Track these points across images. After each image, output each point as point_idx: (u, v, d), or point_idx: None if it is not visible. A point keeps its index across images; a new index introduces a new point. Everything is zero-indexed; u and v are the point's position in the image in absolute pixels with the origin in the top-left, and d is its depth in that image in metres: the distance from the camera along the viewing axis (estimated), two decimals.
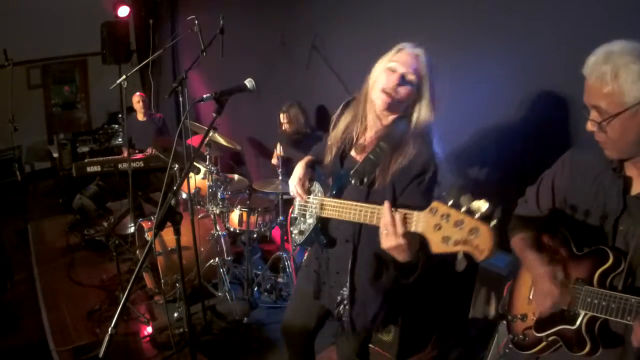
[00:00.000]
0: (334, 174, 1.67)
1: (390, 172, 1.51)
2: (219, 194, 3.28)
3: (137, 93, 4.79)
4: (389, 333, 2.67)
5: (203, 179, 3.47)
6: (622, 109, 1.18)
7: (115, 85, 3.30)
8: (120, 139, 5.96)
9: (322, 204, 1.64)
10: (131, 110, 4.81)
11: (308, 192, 1.76)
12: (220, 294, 3.36)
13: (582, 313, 1.31)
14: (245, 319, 3.13)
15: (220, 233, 3.35)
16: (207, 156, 3.26)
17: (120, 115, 5.85)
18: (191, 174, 3.33)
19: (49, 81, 6.20)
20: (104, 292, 3.49)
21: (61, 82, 6.35)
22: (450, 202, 1.12)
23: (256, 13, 4.25)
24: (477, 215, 1.07)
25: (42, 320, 3.22)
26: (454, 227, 1.10)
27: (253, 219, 3.34)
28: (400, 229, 1.25)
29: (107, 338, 1.17)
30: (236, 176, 3.89)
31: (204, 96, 1.55)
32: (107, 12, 5.84)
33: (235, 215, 3.40)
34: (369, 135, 1.64)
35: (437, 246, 1.15)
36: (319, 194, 1.71)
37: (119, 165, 3.95)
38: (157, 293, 3.39)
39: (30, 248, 4.28)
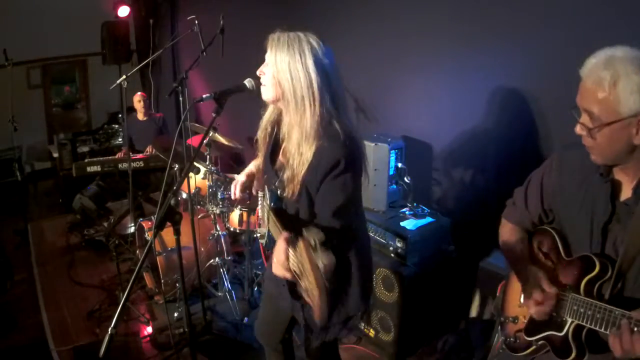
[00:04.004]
0: (270, 180, 1.61)
1: (299, 177, 1.44)
2: (219, 194, 3.27)
3: (138, 93, 4.79)
4: (389, 333, 2.67)
5: (203, 179, 3.46)
6: (615, 118, 1.15)
7: (115, 85, 3.30)
8: (120, 139, 5.96)
9: (268, 217, 1.59)
10: (131, 110, 4.81)
11: (249, 194, 1.75)
12: (220, 294, 3.36)
13: (569, 320, 1.31)
14: (245, 319, 3.13)
15: (220, 233, 3.35)
16: (207, 156, 3.26)
17: (120, 115, 5.85)
18: (191, 174, 3.33)
19: (49, 81, 6.19)
20: (104, 292, 3.49)
21: (61, 82, 6.34)
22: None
23: (256, 13, 4.25)
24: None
25: (42, 320, 3.22)
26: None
27: (253, 218, 3.34)
28: (285, 264, 1.19)
29: (107, 338, 1.17)
30: (236, 176, 3.87)
31: (204, 96, 1.55)
32: (107, 12, 5.83)
33: (235, 215, 3.40)
34: (287, 137, 1.54)
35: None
36: (267, 199, 1.62)
37: (119, 165, 3.94)
38: (157, 293, 3.39)
39: (30, 248, 4.27)
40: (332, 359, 1.90)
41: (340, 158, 1.40)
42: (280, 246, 1.20)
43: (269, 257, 1.86)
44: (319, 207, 1.47)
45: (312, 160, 1.42)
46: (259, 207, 1.84)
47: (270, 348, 1.99)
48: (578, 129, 1.24)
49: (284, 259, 1.19)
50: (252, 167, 1.84)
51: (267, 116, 1.67)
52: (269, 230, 1.67)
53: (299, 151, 1.44)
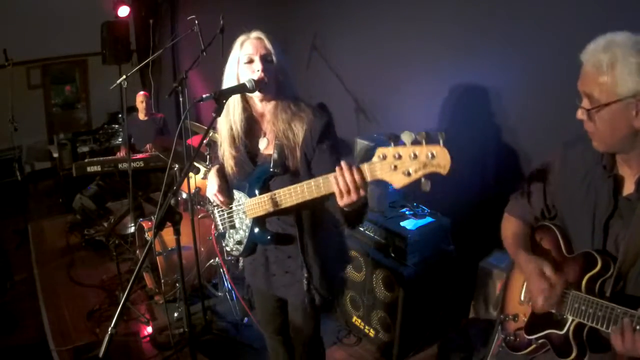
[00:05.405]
0: (250, 175, 1.70)
1: (298, 148, 1.61)
2: None
3: (142, 92, 4.80)
4: (389, 333, 2.67)
5: (203, 178, 3.46)
6: (614, 98, 1.16)
7: (115, 85, 3.29)
8: (120, 139, 5.96)
9: (254, 204, 1.65)
10: (132, 109, 4.81)
11: (230, 199, 1.79)
12: (220, 294, 3.36)
13: (570, 319, 1.30)
14: (245, 319, 3.13)
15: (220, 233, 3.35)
16: (207, 156, 3.26)
17: (120, 115, 5.85)
18: (191, 174, 3.33)
19: (49, 81, 6.18)
20: (104, 292, 3.49)
21: (61, 82, 6.34)
22: (392, 144, 1.20)
23: (256, 13, 4.25)
24: (424, 142, 1.15)
25: (42, 320, 3.22)
26: (410, 160, 1.17)
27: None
28: (361, 183, 1.28)
29: (107, 338, 1.17)
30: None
31: (204, 96, 1.55)
32: (107, 12, 5.83)
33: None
34: (265, 127, 1.71)
35: (400, 181, 1.20)
36: (242, 198, 1.73)
37: (119, 165, 3.94)
38: (157, 293, 3.39)
39: (30, 248, 4.27)
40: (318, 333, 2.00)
41: (328, 121, 1.63)
42: (347, 175, 1.28)
43: (252, 266, 1.89)
44: (319, 167, 1.59)
45: (304, 131, 1.60)
46: (221, 218, 1.88)
47: (271, 336, 2.12)
48: (579, 114, 1.25)
49: (355, 185, 1.28)
50: (215, 172, 1.85)
51: (227, 131, 1.72)
52: (252, 224, 1.71)
53: (291, 128, 1.61)
